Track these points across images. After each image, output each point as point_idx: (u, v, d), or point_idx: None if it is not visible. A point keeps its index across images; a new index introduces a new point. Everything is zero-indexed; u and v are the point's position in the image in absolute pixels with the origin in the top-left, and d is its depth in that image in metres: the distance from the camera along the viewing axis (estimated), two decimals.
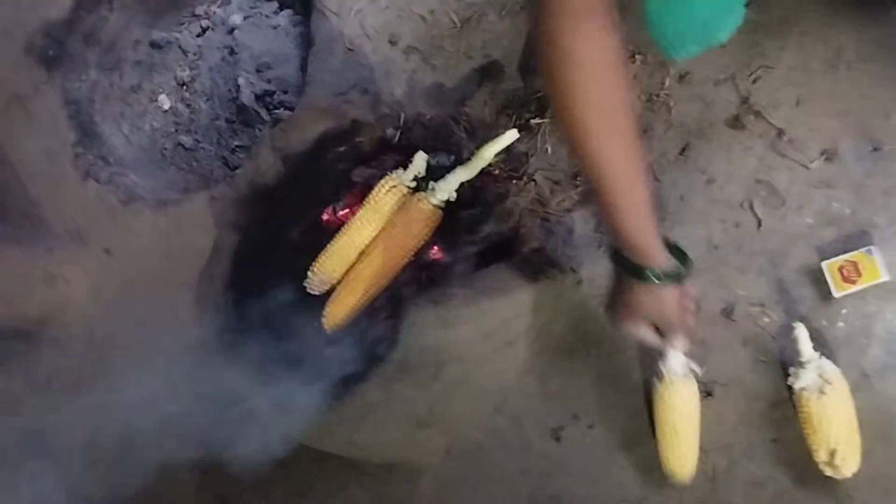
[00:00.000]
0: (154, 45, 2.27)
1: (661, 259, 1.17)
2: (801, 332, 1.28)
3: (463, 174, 1.52)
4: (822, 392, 1.25)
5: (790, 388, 1.29)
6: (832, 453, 1.24)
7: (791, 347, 1.29)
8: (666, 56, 1.21)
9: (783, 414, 1.33)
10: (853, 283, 1.28)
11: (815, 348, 1.29)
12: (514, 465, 1.56)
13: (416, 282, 1.48)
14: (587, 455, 1.50)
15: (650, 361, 1.37)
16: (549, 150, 1.58)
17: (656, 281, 1.18)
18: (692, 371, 1.33)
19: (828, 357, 1.29)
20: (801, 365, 1.27)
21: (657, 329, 1.28)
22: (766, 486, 1.36)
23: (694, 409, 1.34)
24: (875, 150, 1.31)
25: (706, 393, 1.41)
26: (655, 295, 1.21)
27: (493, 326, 1.37)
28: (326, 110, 1.55)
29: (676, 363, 1.31)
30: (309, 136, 1.48)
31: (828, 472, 1.26)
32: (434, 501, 1.63)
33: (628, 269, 1.19)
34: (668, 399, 1.32)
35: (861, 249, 1.28)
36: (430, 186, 1.53)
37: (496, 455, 1.57)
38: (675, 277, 1.20)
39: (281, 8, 2.10)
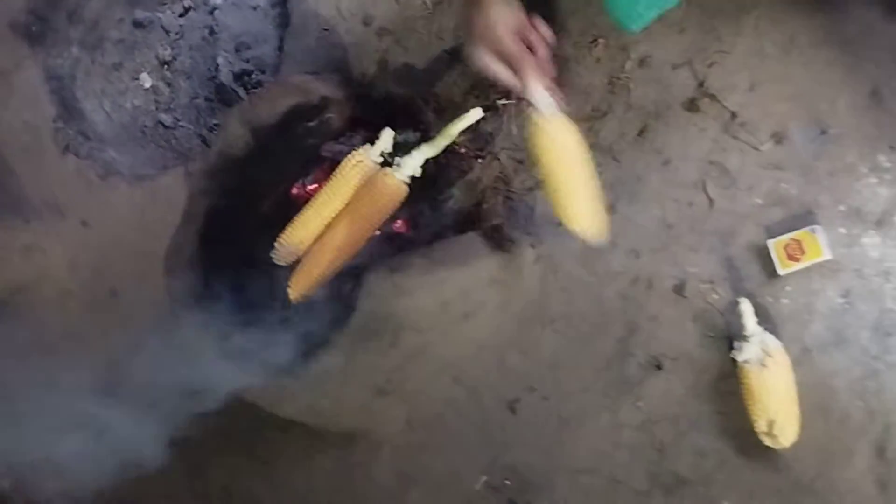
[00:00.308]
0: (137, 24, 2.31)
1: None
2: (746, 308, 1.32)
3: (428, 151, 1.55)
4: (763, 365, 1.29)
5: (735, 361, 1.33)
6: (771, 424, 1.29)
7: (737, 323, 1.34)
8: (624, 27, 1.24)
9: (728, 387, 1.37)
10: (797, 260, 1.32)
11: (760, 323, 1.33)
12: (472, 435, 1.60)
13: (378, 253, 1.52)
14: (542, 426, 1.55)
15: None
16: (515, 130, 1.62)
17: None
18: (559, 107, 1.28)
19: (772, 332, 1.34)
20: (744, 339, 1.32)
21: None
22: (711, 456, 1.40)
23: (575, 149, 1.29)
24: (823, 133, 1.35)
25: (656, 366, 1.46)
26: (485, 14, 1.19)
27: (450, 297, 1.41)
28: (296, 86, 1.59)
29: (540, 97, 1.26)
30: (278, 110, 1.51)
31: (767, 441, 1.31)
32: (394, 470, 1.67)
33: None
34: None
35: (805, 228, 1.32)
36: (395, 162, 1.56)
37: (455, 425, 1.62)
38: None
39: None
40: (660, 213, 1.47)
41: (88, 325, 2.05)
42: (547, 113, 1.27)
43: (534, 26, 1.26)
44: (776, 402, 1.29)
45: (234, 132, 1.49)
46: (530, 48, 1.26)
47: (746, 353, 1.31)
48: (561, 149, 1.29)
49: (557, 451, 1.53)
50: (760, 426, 1.30)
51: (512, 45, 1.23)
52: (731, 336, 1.37)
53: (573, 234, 1.29)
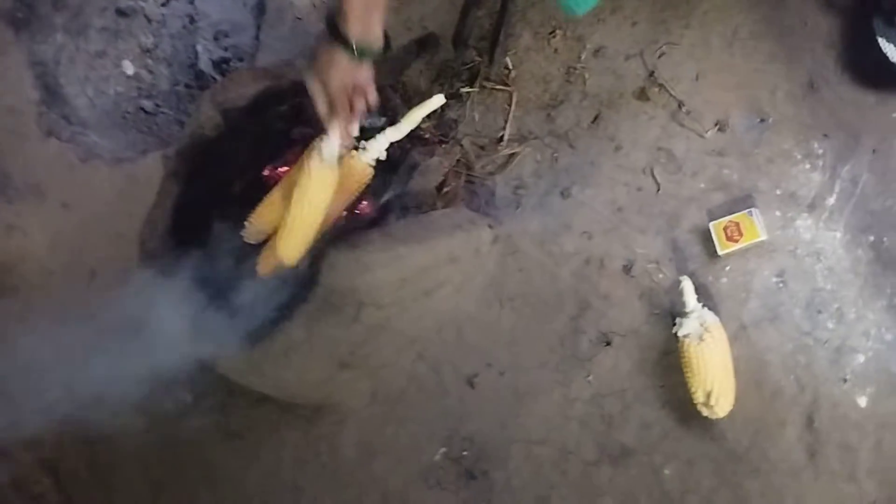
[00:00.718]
0: (120, 12, 2.37)
1: (355, 28, 1.24)
2: (687, 286, 1.39)
3: (392, 135, 1.61)
4: (701, 339, 1.37)
5: (676, 336, 1.41)
6: (708, 395, 1.36)
7: (679, 300, 1.41)
8: (569, 12, 1.31)
9: (672, 362, 1.45)
10: (735, 241, 1.40)
11: (700, 301, 1.40)
12: (433, 409, 1.68)
13: (342, 232, 1.58)
14: (498, 400, 1.62)
15: None
16: (477, 117, 1.70)
17: (332, 38, 1.26)
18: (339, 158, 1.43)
19: (712, 309, 1.41)
20: (685, 315, 1.39)
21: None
22: (655, 427, 1.47)
23: (322, 199, 1.43)
24: (762, 121, 1.43)
25: (606, 343, 1.53)
26: (332, 54, 1.28)
27: (409, 273, 1.48)
28: (268, 71, 1.65)
29: (327, 144, 1.40)
30: (249, 94, 1.57)
31: (705, 412, 1.38)
32: (360, 443, 1.74)
33: (327, 20, 1.28)
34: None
35: (743, 211, 1.39)
36: (361, 146, 1.62)
37: (416, 399, 1.69)
38: (360, 53, 1.27)
39: None
40: (611, 196, 1.55)
41: (68, 304, 2.11)
42: (324, 159, 1.41)
43: (364, 91, 1.37)
44: (713, 374, 1.36)
45: (206, 114, 1.55)
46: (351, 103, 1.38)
47: (686, 328, 1.38)
48: (312, 192, 1.43)
49: (513, 424, 1.59)
50: (698, 397, 1.38)
51: (336, 91, 1.34)
52: (673, 313, 1.44)
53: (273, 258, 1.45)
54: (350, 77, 1.33)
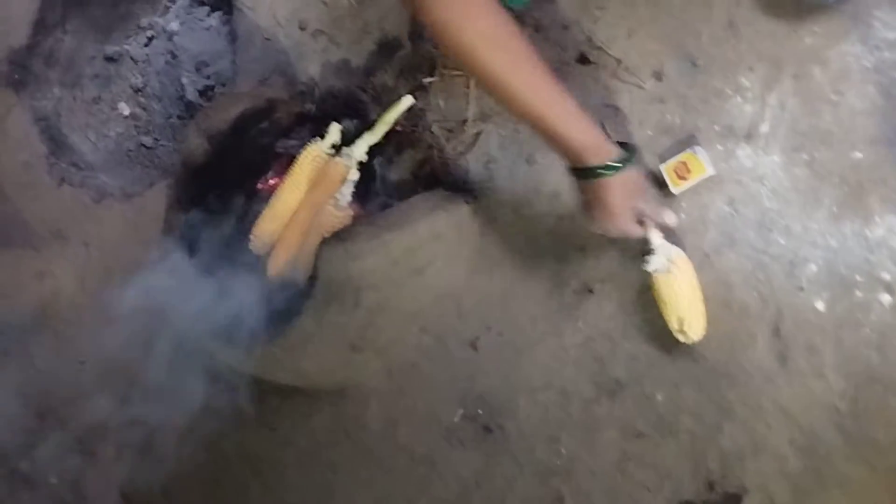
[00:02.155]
0: (108, 58, 2.53)
1: (610, 147, 1.30)
2: (649, 224, 1.52)
3: (370, 138, 1.76)
4: (669, 271, 1.50)
5: (648, 273, 1.53)
6: (681, 321, 1.49)
7: (646, 239, 1.53)
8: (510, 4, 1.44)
9: (648, 298, 1.57)
10: (685, 179, 1.52)
11: (665, 237, 1.52)
12: (444, 375, 1.82)
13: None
14: (501, 358, 1.76)
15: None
16: (442, 104, 1.83)
17: (620, 166, 1.30)
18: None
19: (676, 244, 1.53)
20: (652, 252, 1.52)
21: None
22: (641, 359, 1.61)
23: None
24: (693, 65, 1.54)
25: (588, 290, 1.67)
26: (624, 182, 1.32)
27: (398, 255, 1.62)
28: (245, 93, 1.80)
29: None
30: (230, 117, 1.73)
31: (681, 338, 1.51)
32: (383, 417, 1.90)
33: (590, 173, 1.31)
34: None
35: (688, 150, 1.52)
36: (343, 152, 1.76)
37: (427, 369, 1.84)
38: (631, 157, 1.33)
39: (211, 10, 2.36)
40: None
41: (103, 333, 2.29)
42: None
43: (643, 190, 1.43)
44: (683, 302, 1.49)
45: (194, 141, 1.70)
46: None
47: (654, 264, 1.51)
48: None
49: (516, 377, 1.74)
50: (673, 325, 1.51)
51: (650, 195, 1.43)
52: (643, 252, 1.57)
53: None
54: (641, 176, 1.41)
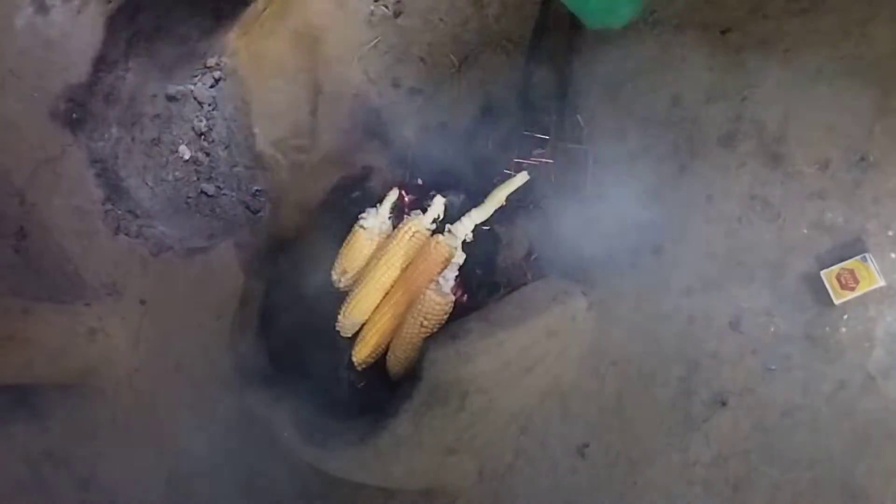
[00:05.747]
0: (170, 98, 2.37)
1: None
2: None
3: (478, 216, 1.56)
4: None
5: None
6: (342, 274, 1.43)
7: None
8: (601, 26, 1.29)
9: (789, 421, 1.38)
10: (852, 289, 1.33)
11: (818, 354, 1.33)
12: (544, 482, 1.63)
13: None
14: (612, 469, 1.57)
15: None
16: (553, 178, 1.65)
17: None
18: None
19: (832, 362, 1.34)
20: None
21: None
22: (785, 490, 1.41)
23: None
24: (862, 159, 1.36)
25: (721, 403, 1.47)
26: None
27: (511, 356, 1.44)
28: (338, 159, 1.63)
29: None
30: (325, 186, 1.55)
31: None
32: None
33: None
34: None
35: (856, 257, 1.33)
36: (446, 229, 1.57)
37: (526, 473, 1.65)
38: None
39: None
40: (707, 250, 1.49)
41: (157, 401, 2.12)
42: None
43: None
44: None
45: (285, 213, 1.53)
46: None
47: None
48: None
49: (631, 494, 1.54)
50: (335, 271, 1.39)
51: None
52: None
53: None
54: None
